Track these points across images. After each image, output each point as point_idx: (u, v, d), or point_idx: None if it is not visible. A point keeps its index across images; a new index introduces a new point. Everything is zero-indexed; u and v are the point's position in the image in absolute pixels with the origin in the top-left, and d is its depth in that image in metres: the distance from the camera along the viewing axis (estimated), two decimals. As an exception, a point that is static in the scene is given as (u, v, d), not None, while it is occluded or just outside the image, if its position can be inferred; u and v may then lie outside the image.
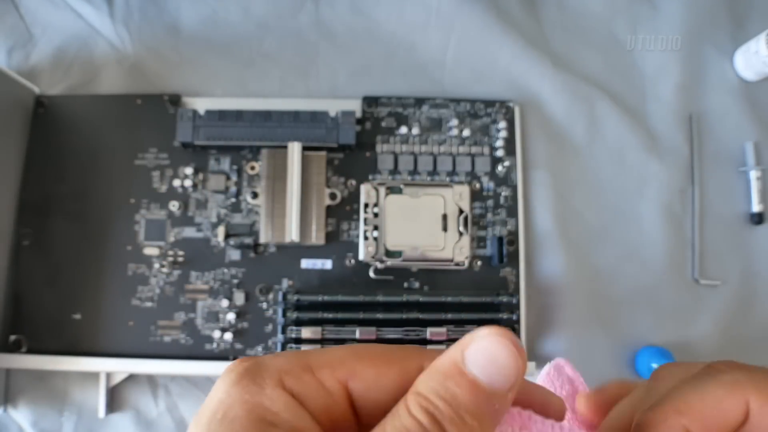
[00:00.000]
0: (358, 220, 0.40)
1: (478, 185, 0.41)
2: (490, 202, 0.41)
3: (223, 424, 0.12)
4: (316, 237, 0.39)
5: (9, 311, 0.39)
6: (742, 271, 0.42)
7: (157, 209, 0.40)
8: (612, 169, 0.43)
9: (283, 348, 0.37)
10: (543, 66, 0.43)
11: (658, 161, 0.42)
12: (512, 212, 0.41)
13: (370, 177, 0.41)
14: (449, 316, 0.37)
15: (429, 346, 0.36)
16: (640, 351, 0.40)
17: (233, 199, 0.41)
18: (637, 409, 0.15)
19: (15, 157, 0.40)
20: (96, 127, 0.41)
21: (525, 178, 0.42)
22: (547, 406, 0.15)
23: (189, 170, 0.41)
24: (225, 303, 0.39)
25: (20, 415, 0.39)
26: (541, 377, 0.19)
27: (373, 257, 0.39)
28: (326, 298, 0.37)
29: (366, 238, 0.39)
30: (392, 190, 0.40)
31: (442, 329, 0.36)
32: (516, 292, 0.40)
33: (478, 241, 0.40)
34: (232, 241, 0.39)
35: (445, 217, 0.39)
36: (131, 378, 0.39)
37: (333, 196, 0.40)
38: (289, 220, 0.39)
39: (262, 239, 0.39)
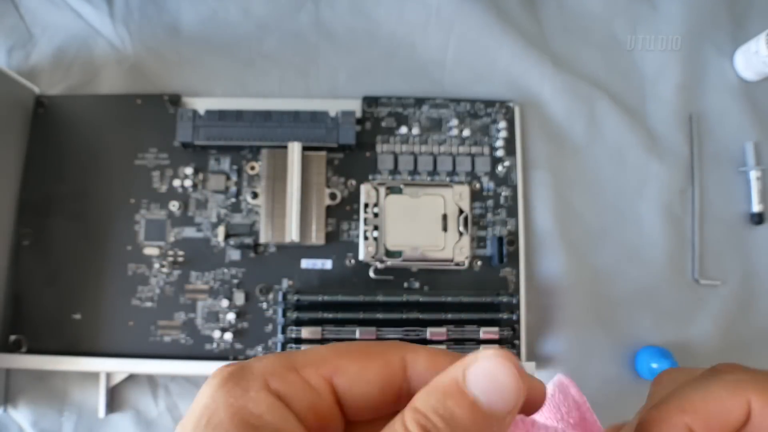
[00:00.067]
0: (358, 220, 0.40)
1: (478, 185, 0.41)
2: (490, 202, 0.41)
3: (208, 429, 0.12)
4: (316, 237, 0.39)
5: (9, 311, 0.39)
6: (742, 271, 0.42)
7: (157, 209, 0.40)
8: (612, 169, 0.43)
9: (284, 348, 0.37)
10: (543, 66, 0.43)
11: (658, 161, 0.42)
12: (512, 212, 0.41)
13: (370, 177, 0.41)
14: (449, 316, 0.37)
15: (429, 346, 0.36)
16: (640, 351, 0.40)
17: (233, 199, 0.41)
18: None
19: (15, 157, 0.40)
20: (96, 127, 0.41)
21: (525, 178, 0.42)
22: (534, 391, 0.15)
23: (189, 170, 0.41)
24: (225, 303, 0.39)
25: (20, 415, 0.39)
26: (547, 400, 0.19)
27: (373, 257, 0.39)
28: (326, 298, 0.37)
29: (366, 238, 0.39)
30: (392, 190, 0.40)
31: (442, 329, 0.36)
32: (516, 292, 0.40)
33: (478, 241, 0.40)
34: (232, 241, 0.39)
35: (445, 217, 0.39)
36: (131, 378, 0.39)
37: (333, 196, 0.40)
38: (289, 220, 0.39)
39: (262, 239, 0.39)
